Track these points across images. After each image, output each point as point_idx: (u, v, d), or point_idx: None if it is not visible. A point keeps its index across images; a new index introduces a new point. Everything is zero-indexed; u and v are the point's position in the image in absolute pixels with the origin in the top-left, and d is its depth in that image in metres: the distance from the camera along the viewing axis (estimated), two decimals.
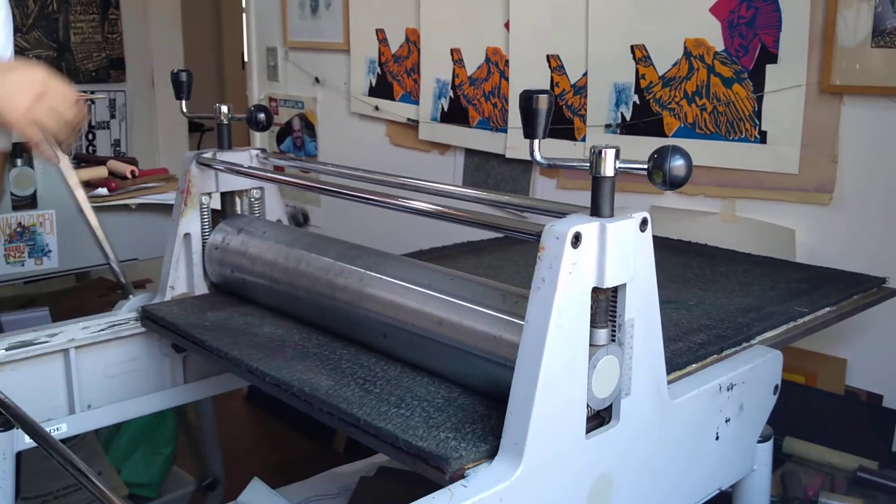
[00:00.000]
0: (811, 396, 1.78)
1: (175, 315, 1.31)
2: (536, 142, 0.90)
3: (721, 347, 1.16)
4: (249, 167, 1.38)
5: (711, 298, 1.37)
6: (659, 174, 0.85)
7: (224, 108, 1.41)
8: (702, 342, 1.16)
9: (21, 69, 1.23)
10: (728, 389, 1.09)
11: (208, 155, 1.39)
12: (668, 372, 1.05)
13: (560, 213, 0.90)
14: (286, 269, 1.25)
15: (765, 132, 1.86)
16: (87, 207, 1.39)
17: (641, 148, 2.00)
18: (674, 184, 0.85)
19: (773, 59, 1.82)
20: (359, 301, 1.12)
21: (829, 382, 1.80)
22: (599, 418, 0.94)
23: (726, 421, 1.10)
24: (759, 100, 1.86)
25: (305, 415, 3.21)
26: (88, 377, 1.32)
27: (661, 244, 1.71)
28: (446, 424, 0.93)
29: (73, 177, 1.39)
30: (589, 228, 0.85)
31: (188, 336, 1.25)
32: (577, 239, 0.84)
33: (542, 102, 0.88)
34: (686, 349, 1.14)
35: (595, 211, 0.88)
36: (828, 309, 1.36)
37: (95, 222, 1.40)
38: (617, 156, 0.86)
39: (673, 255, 1.67)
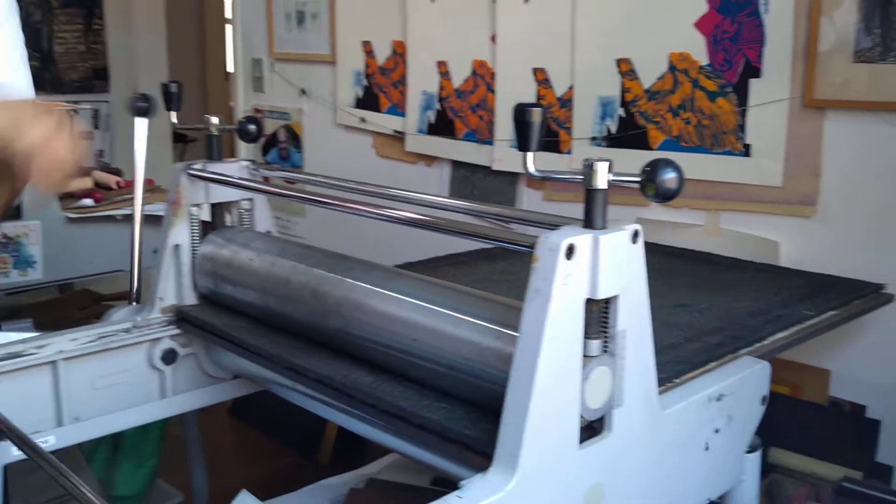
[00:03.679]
0: (796, 407, 1.79)
1: (210, 316, 1.36)
2: (530, 154, 0.91)
3: (736, 347, 1.20)
4: (240, 178, 1.38)
5: (722, 302, 1.42)
6: (651, 187, 0.86)
7: (214, 120, 1.41)
8: (717, 342, 1.21)
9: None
10: (717, 400, 1.10)
11: (198, 166, 1.39)
12: (690, 370, 1.11)
13: (552, 224, 0.91)
14: (278, 281, 1.26)
15: (749, 145, 1.88)
16: None
17: (627, 161, 2.02)
18: (665, 196, 0.86)
19: (757, 73, 1.85)
20: (355, 315, 1.13)
21: (813, 393, 1.82)
22: (592, 429, 0.94)
23: (715, 431, 1.11)
24: (743, 113, 1.88)
25: (290, 428, 3.16)
26: (76, 389, 1.30)
27: (668, 253, 1.77)
28: (489, 416, 0.94)
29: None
30: (582, 240, 0.86)
31: (225, 335, 1.30)
32: (570, 251, 0.85)
33: (536, 116, 0.89)
34: (703, 349, 1.18)
35: (588, 223, 0.89)
36: (832, 312, 1.41)
37: None
38: (610, 168, 0.87)
39: (681, 263, 1.72)
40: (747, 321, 1.32)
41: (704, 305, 1.40)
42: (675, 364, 1.12)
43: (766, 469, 1.68)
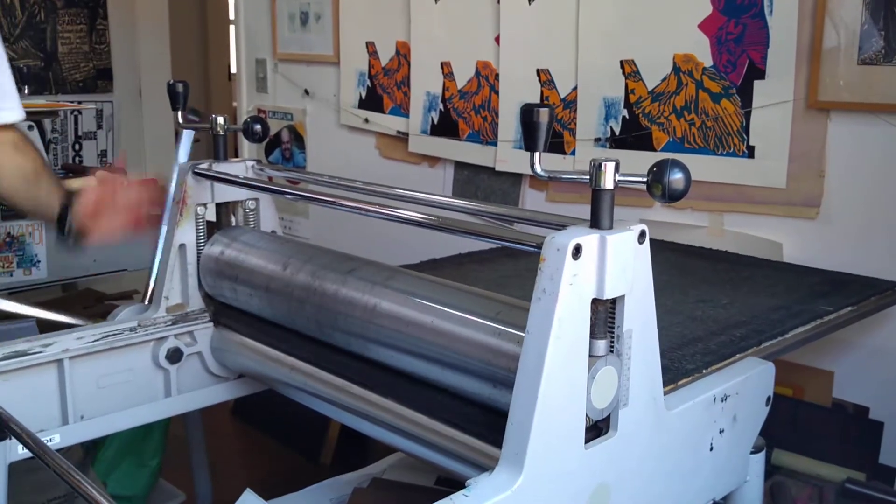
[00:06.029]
0: (799, 409, 1.79)
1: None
2: (537, 155, 0.91)
3: (760, 340, 1.23)
4: (245, 178, 1.38)
5: (742, 298, 1.46)
6: (658, 187, 0.86)
7: (220, 119, 1.41)
8: (741, 335, 1.25)
9: None
10: (722, 400, 1.10)
11: (204, 165, 1.39)
12: (716, 361, 1.14)
13: (559, 224, 0.91)
14: (284, 281, 1.26)
15: (752, 147, 1.88)
16: None
17: (631, 162, 2.02)
18: (673, 197, 0.86)
19: (761, 75, 1.85)
20: (363, 316, 1.13)
21: (817, 395, 1.82)
22: (597, 429, 0.94)
23: (720, 432, 1.11)
24: (747, 115, 1.88)
25: (293, 428, 3.16)
26: (82, 388, 1.31)
27: (685, 251, 1.79)
28: None
29: None
30: (589, 240, 0.86)
31: (264, 330, 1.33)
32: (577, 251, 0.85)
33: (544, 116, 0.89)
34: (729, 341, 1.22)
35: (595, 223, 0.89)
36: (849, 308, 1.44)
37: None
38: (616, 169, 0.88)
39: (699, 261, 1.74)
40: (769, 316, 1.35)
41: (726, 301, 1.43)
42: (702, 356, 1.15)
43: (770, 470, 1.68)
